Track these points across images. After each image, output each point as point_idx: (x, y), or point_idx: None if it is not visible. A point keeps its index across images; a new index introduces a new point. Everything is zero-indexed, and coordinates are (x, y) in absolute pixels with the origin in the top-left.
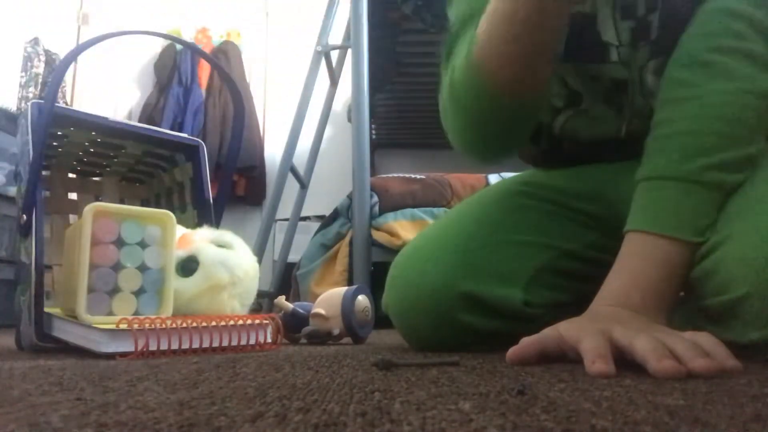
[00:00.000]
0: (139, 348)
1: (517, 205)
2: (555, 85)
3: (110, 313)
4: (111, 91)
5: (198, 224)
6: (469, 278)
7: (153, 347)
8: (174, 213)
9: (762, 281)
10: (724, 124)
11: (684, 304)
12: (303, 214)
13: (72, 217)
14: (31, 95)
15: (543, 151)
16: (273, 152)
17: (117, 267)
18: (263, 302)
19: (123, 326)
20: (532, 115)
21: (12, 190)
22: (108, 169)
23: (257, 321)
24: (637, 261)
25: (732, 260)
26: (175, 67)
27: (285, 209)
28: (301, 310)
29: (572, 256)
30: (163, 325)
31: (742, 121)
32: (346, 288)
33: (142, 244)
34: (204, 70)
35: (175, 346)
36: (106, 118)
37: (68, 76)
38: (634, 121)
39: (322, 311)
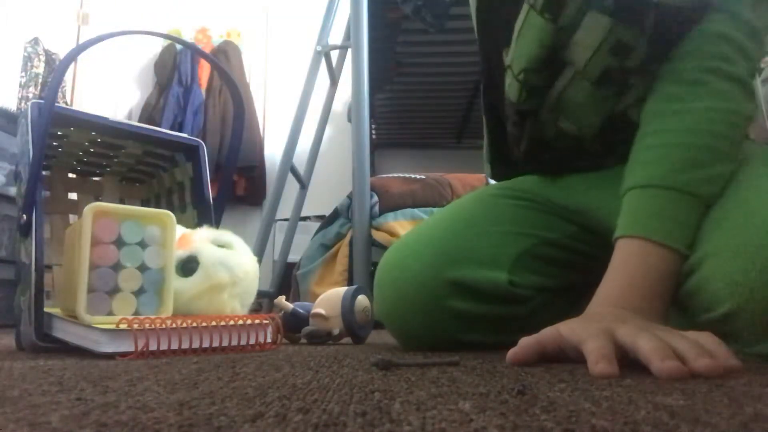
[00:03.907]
0: (139, 348)
1: (493, 203)
2: (534, 48)
3: (110, 313)
4: (111, 91)
5: (198, 224)
6: (452, 265)
7: (153, 347)
8: (174, 213)
9: (744, 297)
10: (714, 139)
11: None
12: (303, 214)
13: (72, 217)
14: (31, 95)
15: (522, 154)
16: (273, 152)
17: (117, 267)
18: (263, 302)
19: (123, 326)
20: None
21: (12, 190)
22: (108, 169)
23: (257, 321)
24: (632, 265)
25: (713, 278)
26: (175, 67)
27: (285, 209)
28: (301, 310)
29: (553, 244)
30: (163, 325)
31: (730, 139)
32: (346, 288)
33: (142, 244)
34: (204, 70)
35: (175, 346)
36: (106, 118)
37: (68, 76)
38: (631, 99)
39: (322, 311)
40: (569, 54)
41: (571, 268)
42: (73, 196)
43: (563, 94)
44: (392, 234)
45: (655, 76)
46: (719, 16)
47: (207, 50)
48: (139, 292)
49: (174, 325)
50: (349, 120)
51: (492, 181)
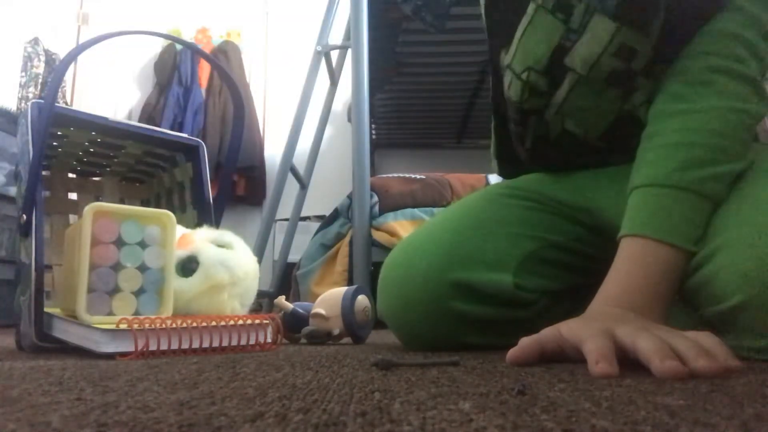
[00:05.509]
0: (139, 348)
1: (500, 203)
2: (536, 53)
3: (110, 313)
4: (111, 91)
5: (198, 224)
6: (458, 266)
7: (153, 347)
8: (174, 213)
9: (755, 289)
10: (721, 138)
11: (684, 312)
12: (303, 214)
13: (72, 217)
14: (31, 95)
15: (527, 152)
16: (273, 152)
17: (117, 267)
18: (263, 302)
19: (123, 326)
20: None
21: (12, 190)
22: (108, 169)
23: (257, 321)
24: (635, 264)
25: (724, 270)
26: (175, 67)
27: (285, 209)
28: (301, 310)
29: (558, 246)
30: (163, 325)
31: (737, 138)
32: (346, 288)
33: (142, 244)
34: (204, 70)
35: (175, 346)
36: (106, 118)
37: (68, 76)
38: (639, 100)
39: (322, 311)
40: (571, 60)
41: (577, 270)
42: (73, 196)
43: (567, 99)
44: (392, 234)
45: (663, 75)
46: (731, 14)
47: (207, 50)
48: (139, 292)
49: (174, 325)
50: (349, 120)
51: (493, 180)
